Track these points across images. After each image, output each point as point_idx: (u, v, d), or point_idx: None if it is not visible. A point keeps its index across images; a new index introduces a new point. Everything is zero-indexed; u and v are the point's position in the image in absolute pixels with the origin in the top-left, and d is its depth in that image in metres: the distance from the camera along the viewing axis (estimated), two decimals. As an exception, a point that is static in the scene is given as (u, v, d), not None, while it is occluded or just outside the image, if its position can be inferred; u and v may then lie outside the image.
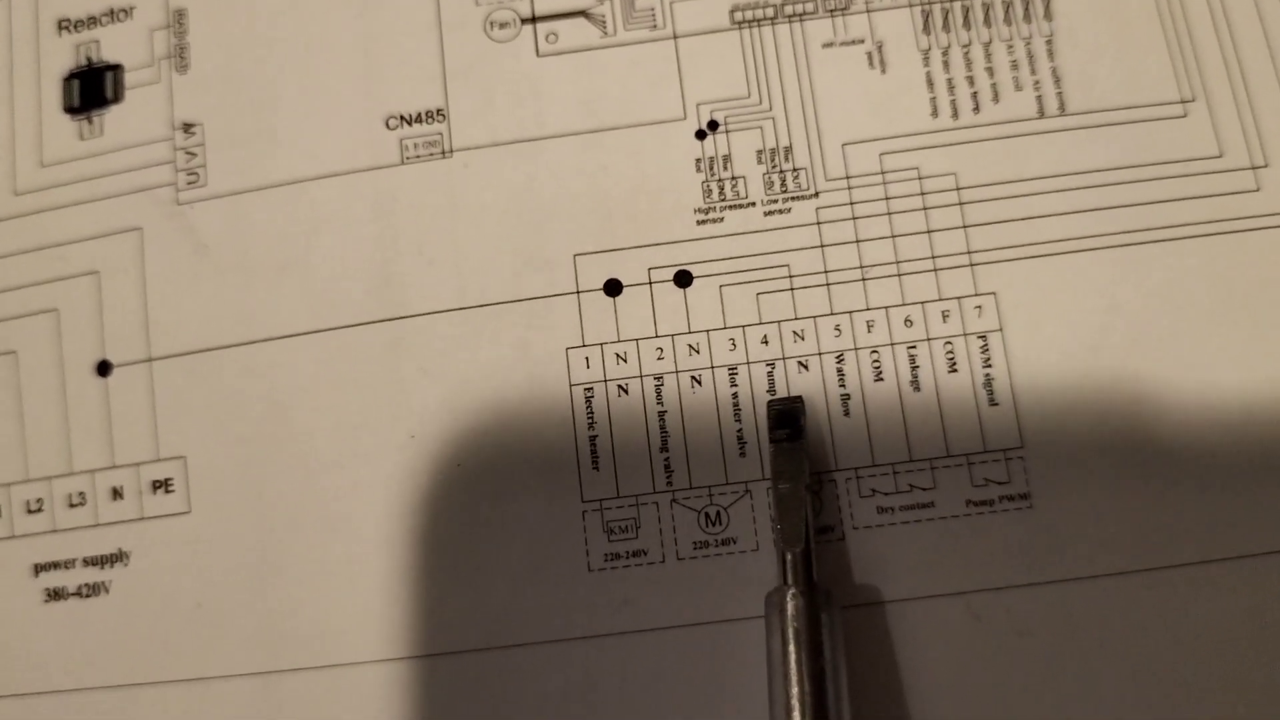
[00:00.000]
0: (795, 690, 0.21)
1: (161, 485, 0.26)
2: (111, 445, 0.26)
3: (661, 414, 0.25)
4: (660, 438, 0.25)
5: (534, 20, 0.27)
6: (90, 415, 0.26)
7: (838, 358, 0.25)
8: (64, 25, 0.28)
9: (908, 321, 0.25)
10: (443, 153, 0.27)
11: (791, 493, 0.23)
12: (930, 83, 0.26)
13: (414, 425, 0.25)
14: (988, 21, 0.26)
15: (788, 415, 0.24)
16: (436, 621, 0.24)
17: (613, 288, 0.26)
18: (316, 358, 0.26)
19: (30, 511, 0.26)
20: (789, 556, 0.22)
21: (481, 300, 0.26)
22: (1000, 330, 0.25)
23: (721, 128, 0.26)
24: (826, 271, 0.25)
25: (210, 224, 0.27)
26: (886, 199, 0.25)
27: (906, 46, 0.26)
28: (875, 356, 0.25)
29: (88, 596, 0.25)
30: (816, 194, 0.26)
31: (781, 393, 0.25)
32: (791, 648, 0.21)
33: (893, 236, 0.25)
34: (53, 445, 0.26)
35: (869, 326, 0.25)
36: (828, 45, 0.26)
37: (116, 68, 0.28)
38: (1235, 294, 0.25)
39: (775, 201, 0.26)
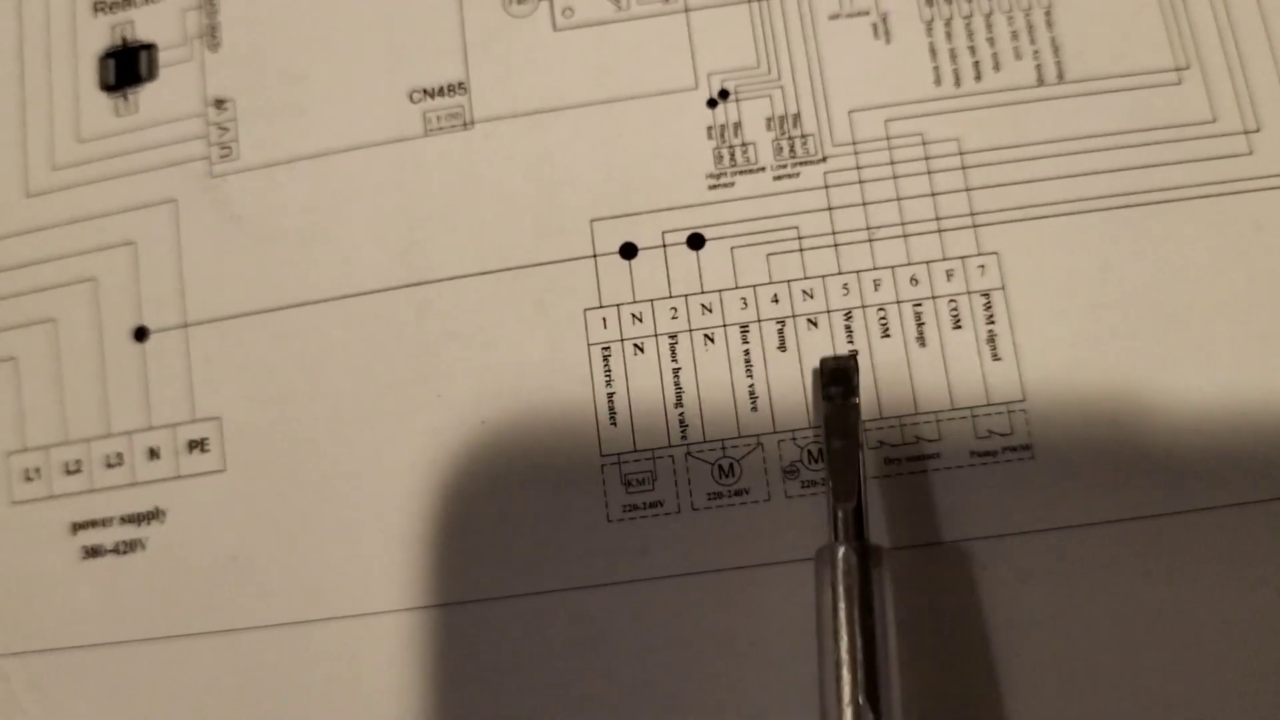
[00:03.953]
0: (845, 645, 0.21)
1: (197, 445, 0.26)
2: (148, 407, 0.27)
3: (676, 371, 0.25)
4: (675, 394, 0.25)
5: (551, -4, 0.28)
6: (128, 379, 0.27)
7: (846, 315, 0.25)
8: (99, 7, 0.29)
9: (913, 280, 0.26)
10: (464, 124, 0.27)
11: (845, 449, 0.23)
12: (933, 52, 0.27)
13: (440, 385, 0.26)
14: (988, -7, 0.27)
15: (841, 373, 0.24)
16: (461, 571, 0.25)
17: (628, 251, 0.26)
18: (345, 322, 0.26)
19: (69, 472, 0.27)
20: (840, 513, 0.22)
21: (503, 265, 0.26)
22: (1003, 288, 0.25)
23: (732, 96, 0.27)
24: (834, 233, 0.26)
25: (242, 195, 0.27)
26: (892, 163, 0.26)
27: (910, 17, 0.27)
28: (882, 314, 0.25)
29: (124, 553, 0.26)
30: (824, 159, 0.26)
31: (791, 349, 0.25)
32: (842, 604, 0.21)
33: (898, 199, 0.26)
34: (91, 408, 0.27)
35: (876, 285, 0.26)
36: (834, 17, 0.27)
37: (150, 46, 0.29)
38: (1229, 253, 0.25)
39: (784, 166, 0.26)
